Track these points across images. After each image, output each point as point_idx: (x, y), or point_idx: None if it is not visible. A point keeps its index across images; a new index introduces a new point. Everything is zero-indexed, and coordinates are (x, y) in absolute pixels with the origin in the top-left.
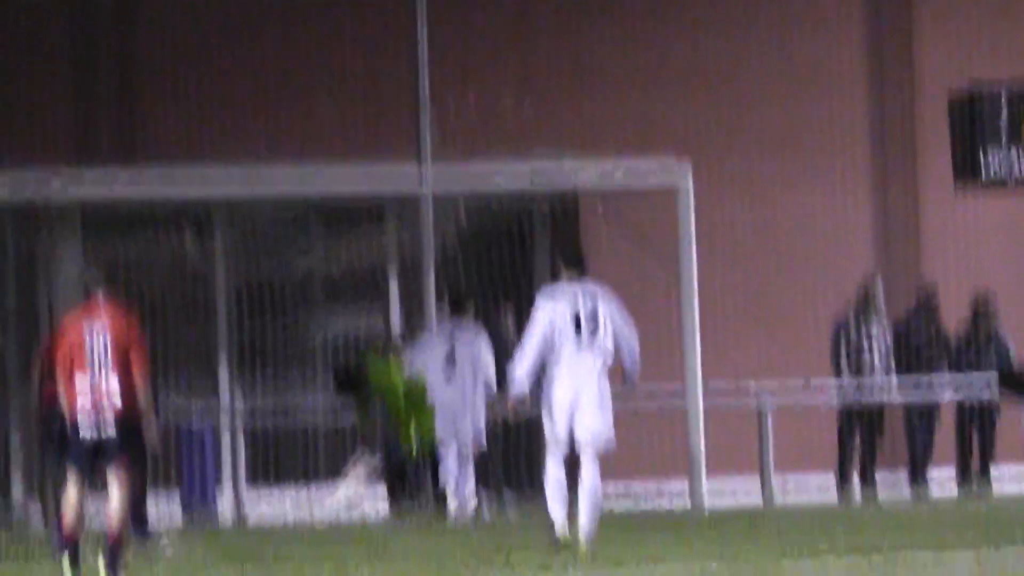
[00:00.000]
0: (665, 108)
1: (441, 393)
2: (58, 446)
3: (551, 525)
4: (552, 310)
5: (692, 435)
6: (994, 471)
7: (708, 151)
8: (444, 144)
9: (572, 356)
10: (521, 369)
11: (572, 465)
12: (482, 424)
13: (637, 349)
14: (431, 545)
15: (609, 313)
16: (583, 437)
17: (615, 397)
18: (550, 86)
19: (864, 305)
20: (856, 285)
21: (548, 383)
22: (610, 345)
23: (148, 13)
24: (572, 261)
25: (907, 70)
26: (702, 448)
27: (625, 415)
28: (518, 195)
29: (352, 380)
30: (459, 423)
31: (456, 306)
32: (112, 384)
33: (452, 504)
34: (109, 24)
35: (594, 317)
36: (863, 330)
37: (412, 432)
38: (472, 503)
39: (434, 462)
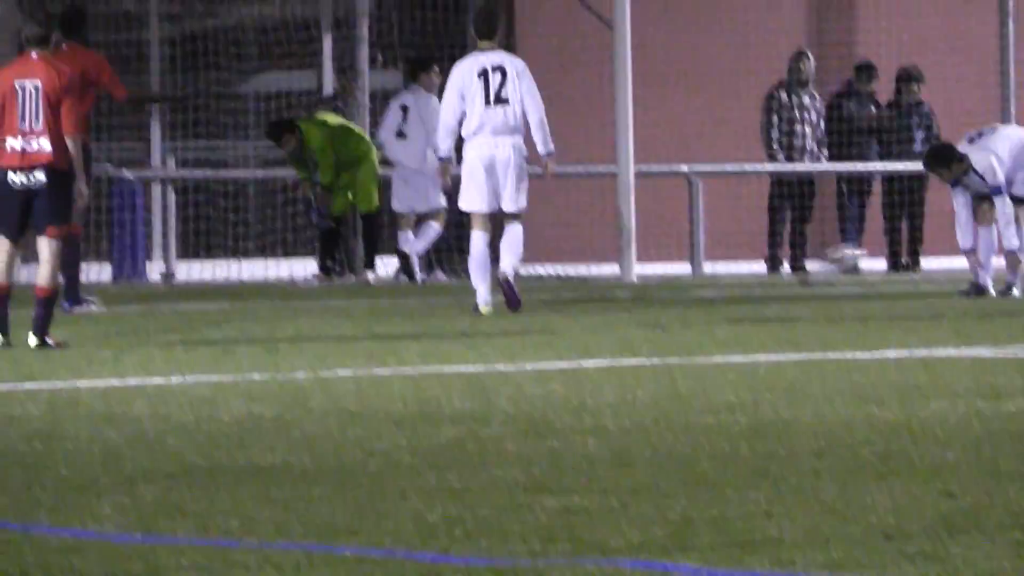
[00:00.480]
0: None
1: (397, 158)
2: None
3: (475, 294)
4: (460, 78)
5: (623, 208)
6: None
7: None
8: None
9: (486, 118)
10: (444, 138)
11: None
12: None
13: (544, 120)
14: (356, 304)
15: (517, 83)
16: (506, 204)
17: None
18: None
19: (795, 79)
20: (788, 59)
21: (464, 149)
22: (519, 112)
23: None
24: (483, 31)
25: None
26: (633, 224)
27: (556, 194)
28: None
29: (281, 132)
30: (415, 189)
31: (414, 68)
32: (42, 135)
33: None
34: None
35: (501, 86)
36: (794, 103)
37: (343, 195)
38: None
39: (370, 227)
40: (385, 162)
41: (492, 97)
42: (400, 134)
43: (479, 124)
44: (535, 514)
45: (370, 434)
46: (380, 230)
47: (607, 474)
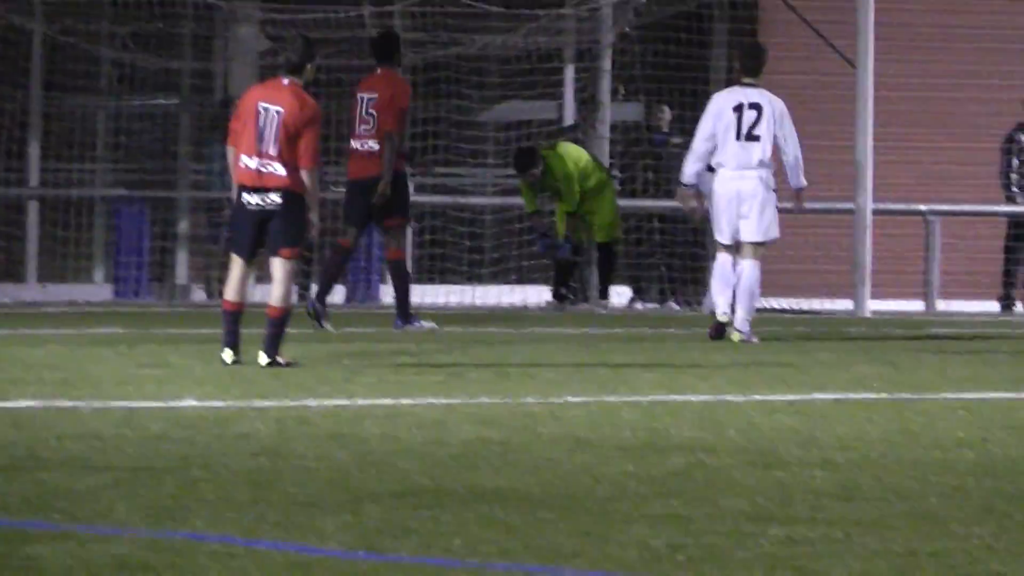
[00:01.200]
0: None
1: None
2: (229, 223)
3: (712, 311)
4: (717, 109)
5: (859, 245)
6: None
7: None
8: None
9: (734, 152)
10: (690, 164)
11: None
12: None
13: (800, 160)
14: (589, 332)
15: (774, 119)
16: (744, 234)
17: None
18: None
19: None
20: None
21: (712, 178)
22: (768, 150)
23: None
24: (749, 68)
25: None
26: (868, 258)
27: (793, 230)
28: None
29: (528, 161)
30: None
31: None
32: (276, 160)
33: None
34: None
35: (755, 124)
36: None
37: (584, 224)
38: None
39: (607, 257)
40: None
41: (744, 133)
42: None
43: (727, 158)
44: (759, 543)
45: (598, 461)
46: (616, 259)
47: (832, 506)
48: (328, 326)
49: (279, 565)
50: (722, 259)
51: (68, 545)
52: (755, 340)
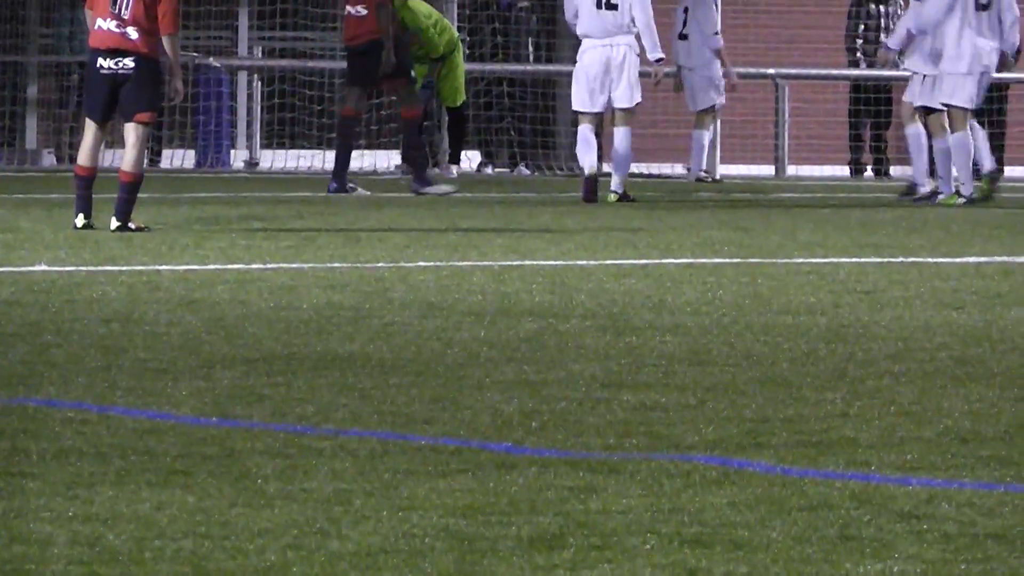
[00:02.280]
0: None
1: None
2: (79, 87)
3: (581, 170)
4: None
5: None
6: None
7: None
8: None
9: (593, 20)
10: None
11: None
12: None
13: (651, 26)
14: (440, 197)
15: None
16: (617, 101)
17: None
18: None
19: None
20: None
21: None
22: (628, 16)
23: None
24: None
25: None
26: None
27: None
28: None
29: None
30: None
31: None
32: (131, 25)
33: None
34: None
35: None
36: (880, 11)
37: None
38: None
39: (457, 121)
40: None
41: (603, 2)
42: (681, 36)
43: (591, 28)
44: (612, 409)
45: (449, 326)
46: (466, 124)
47: (685, 372)
48: (361, 190)
49: (132, 432)
50: (584, 129)
51: None
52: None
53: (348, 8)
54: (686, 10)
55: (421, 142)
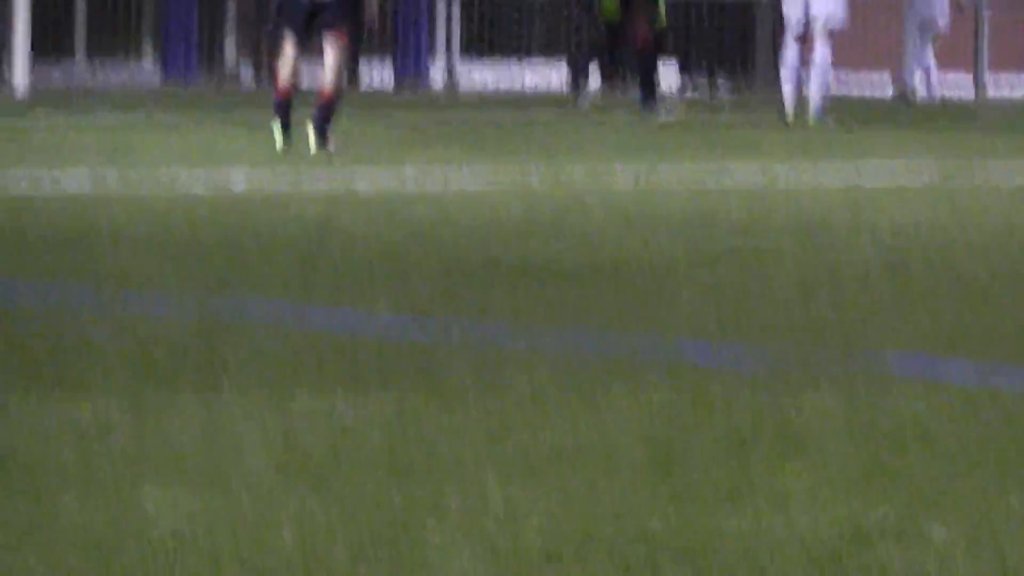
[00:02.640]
0: None
1: None
2: (276, 8)
3: (782, 106)
4: None
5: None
6: None
7: None
8: None
9: None
10: None
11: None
12: None
13: None
14: (637, 117)
15: None
16: (817, 16)
17: None
18: None
19: None
20: None
21: None
22: None
23: None
24: None
25: None
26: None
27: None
28: None
29: None
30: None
31: None
32: None
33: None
34: None
35: None
36: None
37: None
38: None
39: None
40: None
41: None
42: None
43: None
44: (807, 312)
45: (647, 236)
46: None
47: (881, 277)
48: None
49: (328, 339)
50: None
51: (119, 319)
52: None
53: None
54: None
55: (654, 66)
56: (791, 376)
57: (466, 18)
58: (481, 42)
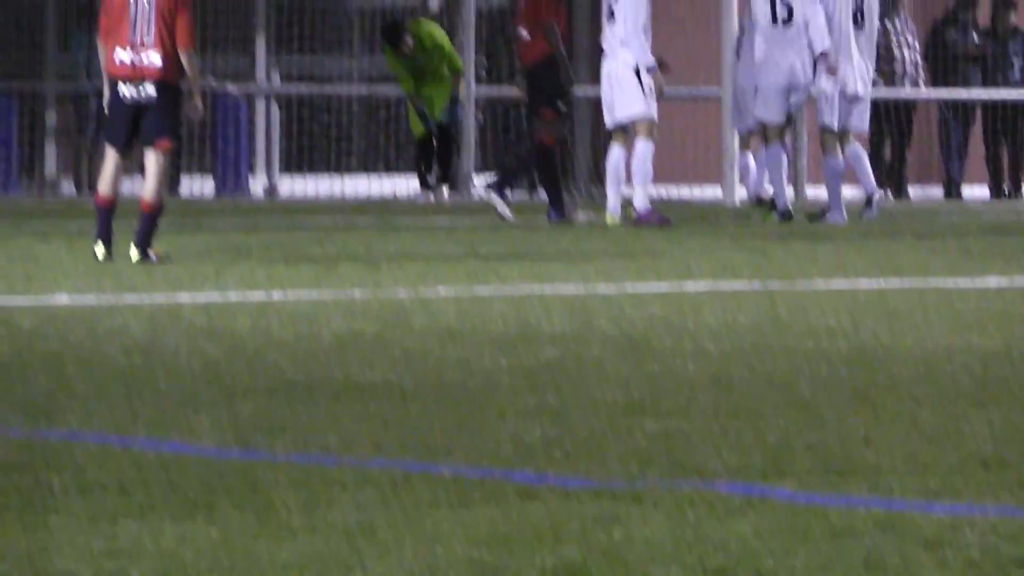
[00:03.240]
0: None
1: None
2: (97, 115)
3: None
4: None
5: (725, 134)
6: None
7: None
8: None
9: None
10: None
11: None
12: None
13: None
14: (458, 222)
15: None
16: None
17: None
18: None
19: (889, 4)
20: None
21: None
22: (621, 30)
23: None
24: None
25: None
26: (735, 146)
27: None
28: None
29: (398, 32)
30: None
31: None
32: (153, 47)
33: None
34: None
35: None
36: (888, 28)
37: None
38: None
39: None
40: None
41: (605, 13)
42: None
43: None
44: (634, 436)
45: (470, 353)
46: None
47: (706, 397)
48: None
49: (153, 464)
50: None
51: None
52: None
53: (520, 31)
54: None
55: (557, 168)
56: (618, 497)
57: (286, 133)
58: (300, 155)
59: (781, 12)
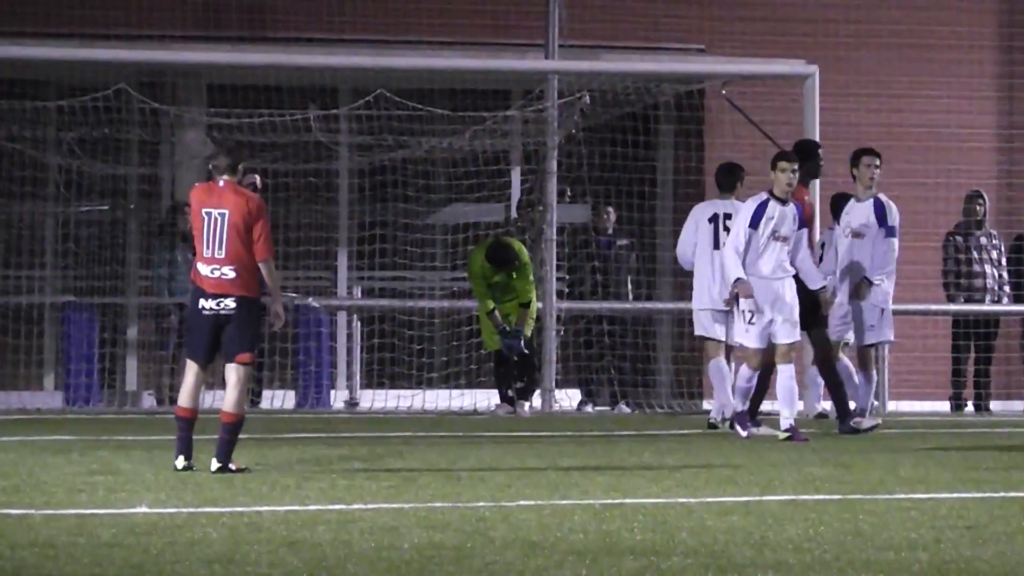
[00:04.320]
0: (794, 3)
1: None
2: (179, 329)
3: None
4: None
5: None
6: None
7: (835, 49)
8: (572, 30)
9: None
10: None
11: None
12: None
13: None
14: (539, 435)
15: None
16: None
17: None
18: None
19: (971, 221)
20: (966, 196)
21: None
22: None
23: None
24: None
25: None
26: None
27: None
28: (643, 86)
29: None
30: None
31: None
32: (228, 262)
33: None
34: None
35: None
36: (971, 243)
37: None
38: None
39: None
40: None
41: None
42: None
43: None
44: None
45: (551, 565)
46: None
47: None
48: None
49: None
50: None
51: None
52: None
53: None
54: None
55: (840, 381)
56: None
57: (367, 347)
58: (382, 368)
59: (722, 236)
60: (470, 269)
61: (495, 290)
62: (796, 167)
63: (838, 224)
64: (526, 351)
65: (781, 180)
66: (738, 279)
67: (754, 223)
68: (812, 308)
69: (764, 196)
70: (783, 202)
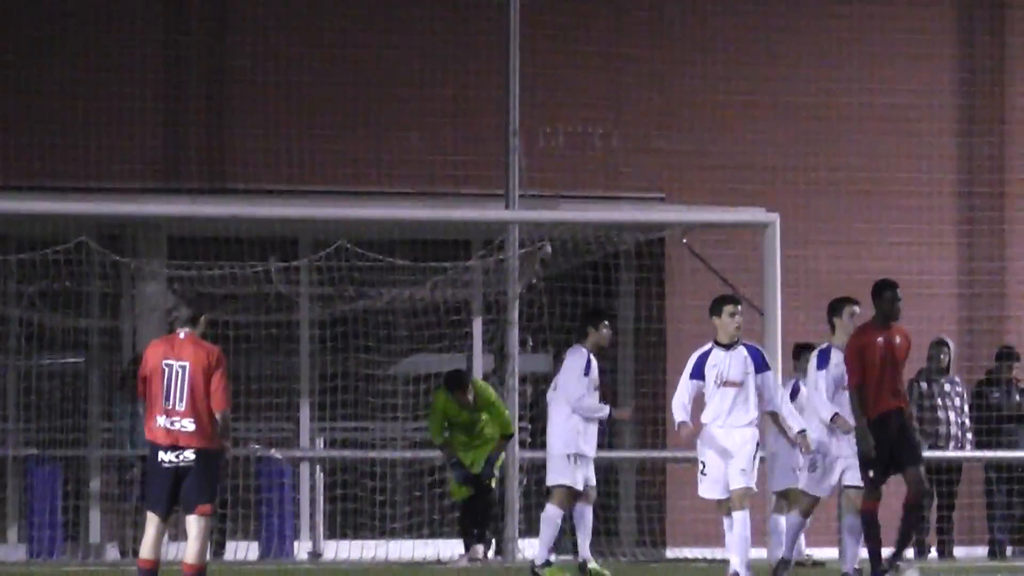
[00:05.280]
0: (753, 151)
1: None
2: (141, 481)
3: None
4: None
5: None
6: None
7: (795, 196)
8: (532, 180)
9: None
10: None
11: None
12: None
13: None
14: None
15: None
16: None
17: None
18: (638, 122)
19: (934, 367)
20: (930, 343)
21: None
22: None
23: (237, 41)
24: None
25: (998, 117)
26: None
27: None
28: (603, 235)
29: (463, 380)
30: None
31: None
32: (187, 414)
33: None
34: (199, 52)
35: None
36: (934, 390)
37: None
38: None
39: (484, 499)
40: None
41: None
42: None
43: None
44: None
45: None
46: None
47: None
48: None
49: None
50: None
51: None
52: None
53: None
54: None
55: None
56: None
57: (329, 498)
58: (345, 519)
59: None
60: (433, 407)
61: (460, 431)
62: (739, 309)
63: (800, 372)
64: (496, 476)
65: (729, 325)
66: (681, 422)
67: (695, 374)
68: (904, 445)
69: (708, 346)
70: (727, 347)
